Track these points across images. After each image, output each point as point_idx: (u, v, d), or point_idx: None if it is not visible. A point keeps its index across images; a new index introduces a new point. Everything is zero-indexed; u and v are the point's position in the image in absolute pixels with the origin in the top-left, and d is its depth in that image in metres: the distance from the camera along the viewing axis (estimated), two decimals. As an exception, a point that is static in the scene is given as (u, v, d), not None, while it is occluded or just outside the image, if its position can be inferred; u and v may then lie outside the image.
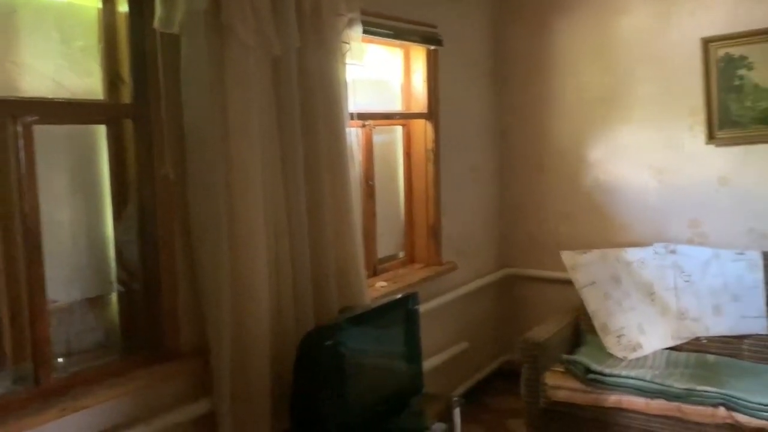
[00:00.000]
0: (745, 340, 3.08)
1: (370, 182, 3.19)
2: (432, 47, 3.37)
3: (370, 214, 3.19)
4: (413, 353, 2.53)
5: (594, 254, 3.48)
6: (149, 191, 2.13)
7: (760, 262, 3.12)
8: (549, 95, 3.89)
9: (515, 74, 4.02)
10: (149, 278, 2.16)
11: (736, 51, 3.25)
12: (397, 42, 3.19)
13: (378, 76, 3.37)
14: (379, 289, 3.02)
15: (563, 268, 3.48)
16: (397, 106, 3.46)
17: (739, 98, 3.25)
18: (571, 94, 3.81)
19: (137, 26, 2.09)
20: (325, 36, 2.43)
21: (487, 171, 4.02)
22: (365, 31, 2.66)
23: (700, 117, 3.37)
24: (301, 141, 2.35)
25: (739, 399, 2.59)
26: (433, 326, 3.40)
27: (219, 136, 2.08)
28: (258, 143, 2.17)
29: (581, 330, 3.43)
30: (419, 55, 3.42)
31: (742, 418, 2.54)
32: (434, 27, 3.36)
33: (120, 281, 2.17)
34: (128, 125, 2.13)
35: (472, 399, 3.70)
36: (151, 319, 2.16)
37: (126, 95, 2.12)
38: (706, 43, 3.30)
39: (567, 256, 3.51)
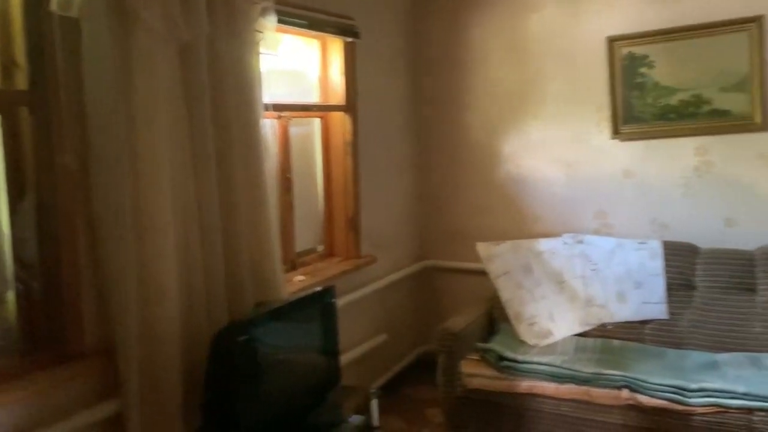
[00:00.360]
0: (647, 325, 3.25)
1: (287, 175, 3.14)
2: (349, 39, 3.36)
3: (287, 208, 3.15)
4: (330, 347, 2.52)
5: (507, 245, 3.58)
6: (49, 183, 2.01)
7: (660, 251, 3.30)
8: (464, 89, 3.97)
9: (432, 68, 4.07)
10: (50, 275, 2.04)
11: (638, 50, 3.41)
12: (313, 33, 3.16)
13: (294, 67, 3.33)
14: (297, 283, 2.98)
15: (479, 259, 3.56)
16: (314, 98, 3.43)
17: (641, 95, 3.42)
18: (485, 88, 3.90)
19: (33, 8, 1.97)
20: (237, 24, 2.37)
21: (405, 164, 4.05)
22: (280, 21, 2.61)
23: (606, 113, 3.52)
24: (212, 131, 2.28)
25: (640, 381, 2.73)
26: (353, 319, 3.40)
27: (124, 125, 1.99)
28: (166, 133, 2.09)
29: (496, 319, 3.52)
30: (336, 47, 3.40)
31: (643, 399, 2.68)
32: (351, 19, 3.35)
33: (18, 279, 2.04)
34: (24, 113, 2.00)
35: (392, 390, 3.74)
36: (53, 318, 2.05)
37: (21, 81, 2.00)
38: (611, 42, 3.45)
39: (482, 248, 3.60)
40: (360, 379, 3.41)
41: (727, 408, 2.54)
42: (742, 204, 3.29)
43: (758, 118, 3.16)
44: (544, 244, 3.57)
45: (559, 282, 3.47)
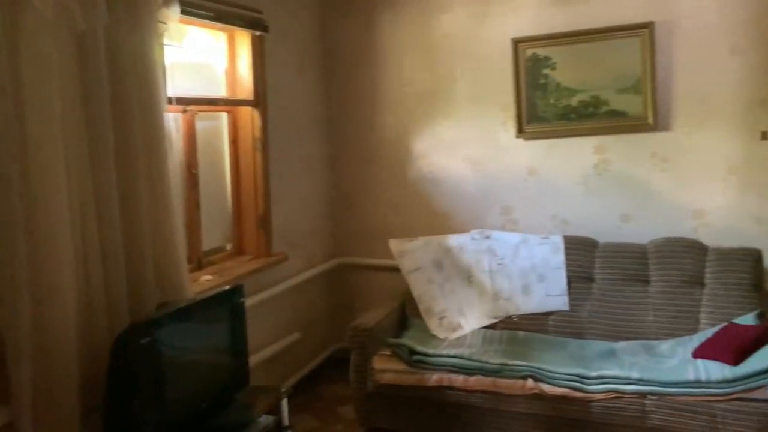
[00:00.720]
0: (550, 317, 3.38)
1: (193, 171, 3.05)
2: (257, 33, 3.30)
3: (193, 205, 3.06)
4: (239, 347, 2.47)
5: (419, 241, 3.63)
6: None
7: (562, 246, 3.44)
8: (376, 87, 3.99)
9: (343, 65, 4.06)
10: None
11: (541, 52, 3.54)
12: (220, 25, 3.08)
13: (201, 59, 3.23)
14: (204, 283, 2.90)
15: (392, 256, 3.60)
16: (221, 92, 3.34)
17: (544, 96, 3.56)
18: (396, 87, 3.93)
19: None
20: (138, 14, 2.27)
21: (318, 161, 4.03)
22: (184, 12, 2.52)
23: (511, 112, 3.63)
24: (111, 125, 2.18)
25: (543, 370, 2.84)
26: (265, 318, 3.35)
27: (13, 118, 1.86)
28: (60, 127, 1.97)
29: (408, 314, 3.56)
30: (244, 41, 3.33)
31: (546, 388, 2.79)
32: (260, 12, 3.29)
33: None
34: None
35: (305, 388, 3.72)
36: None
37: None
38: (516, 43, 3.57)
39: (394, 244, 3.63)
40: (272, 378, 3.36)
41: (623, 393, 2.69)
42: (636, 200, 3.48)
43: (651, 119, 3.35)
44: (453, 240, 3.64)
45: (468, 277, 3.55)
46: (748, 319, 2.91)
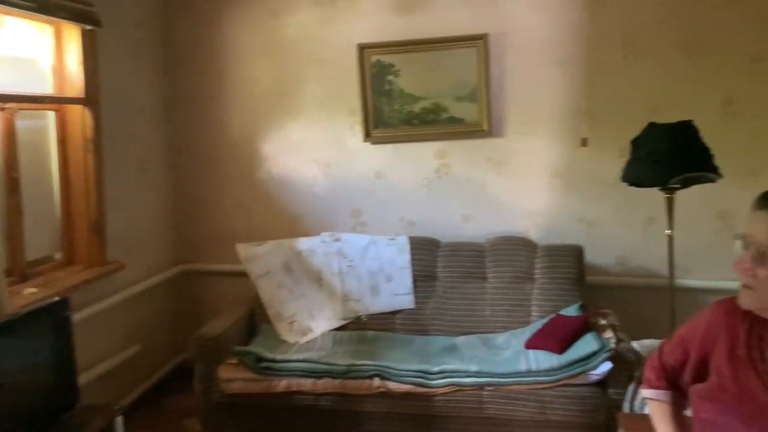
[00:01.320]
0: (398, 315, 3.48)
1: (13, 174, 2.78)
2: (88, 27, 3.08)
3: (14, 211, 2.78)
4: (65, 364, 2.28)
5: (268, 245, 3.58)
6: None
7: (407, 246, 3.56)
8: (222, 87, 3.88)
9: (187, 63, 3.91)
10: None
11: (386, 59, 3.63)
12: (44, 17, 2.83)
13: (23, 54, 2.95)
14: (27, 297, 2.64)
15: (240, 261, 3.51)
16: (48, 89, 3.08)
17: (389, 101, 3.65)
18: (244, 88, 3.85)
19: None
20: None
21: (158, 163, 3.84)
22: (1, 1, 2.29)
23: (359, 117, 3.69)
24: None
25: (390, 368, 2.91)
26: (99, 331, 3.14)
27: None
28: None
29: (256, 320, 3.50)
30: (73, 35, 3.08)
31: (392, 386, 2.86)
32: (90, 5, 3.07)
33: None
34: None
35: (149, 402, 3.54)
36: None
37: None
38: (362, 49, 3.63)
39: (242, 249, 3.55)
40: (110, 395, 3.15)
41: (462, 386, 2.82)
42: (475, 201, 3.68)
43: (486, 126, 3.56)
44: (303, 244, 3.63)
45: (318, 279, 3.56)
46: (572, 311, 3.18)
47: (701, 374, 1.16)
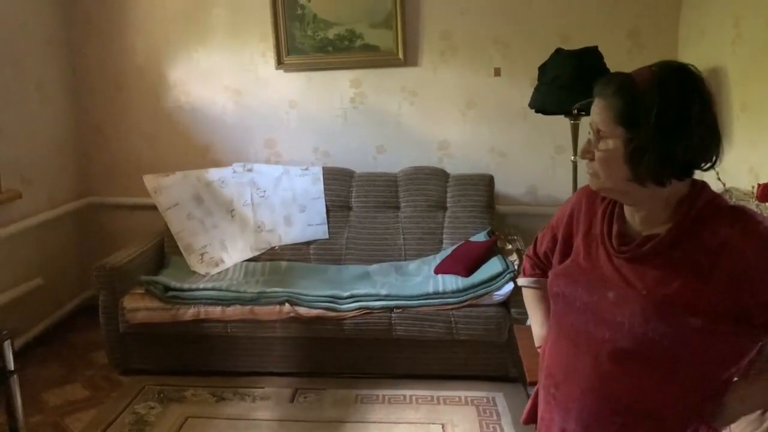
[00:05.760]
0: (311, 245, 3.46)
1: None
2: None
3: None
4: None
5: (177, 176, 3.47)
6: None
7: (321, 176, 3.52)
8: (124, 8, 3.64)
9: (84, -18, 3.65)
10: None
11: (298, -19, 3.50)
12: None
13: None
14: None
15: (149, 193, 3.40)
16: None
17: (301, 27, 3.53)
18: (148, 8, 3.63)
19: None
20: None
21: (56, 88, 3.60)
22: None
23: (270, 43, 3.56)
24: None
25: (300, 294, 2.91)
26: (-5, 263, 2.98)
27: None
28: None
29: (166, 252, 3.42)
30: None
31: (302, 311, 2.87)
32: None
33: None
34: None
35: (55, 337, 3.44)
36: None
37: None
38: (272, -30, 3.48)
39: (149, 180, 3.43)
40: (9, 327, 3.01)
41: (372, 309, 2.87)
42: (390, 132, 3.65)
43: (401, 54, 3.50)
44: (214, 174, 3.53)
45: (230, 210, 3.49)
46: (480, 237, 3.25)
47: (566, 257, 1.21)
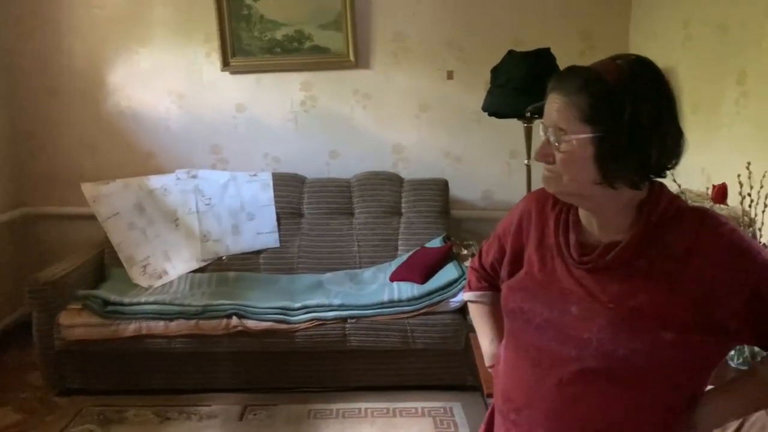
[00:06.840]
0: (261, 255, 3.33)
1: None
2: None
3: None
4: None
5: (116, 184, 3.29)
6: None
7: (271, 182, 3.39)
8: (59, 8, 3.44)
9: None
10: None
11: (243, -20, 3.37)
12: None
13: None
14: None
15: (88, 203, 3.21)
16: None
17: (248, 27, 3.40)
18: (84, 9, 3.44)
19: None
20: None
21: (-15, 93, 3.38)
22: None
23: (215, 44, 3.42)
24: None
25: (248, 306, 2.78)
26: None
27: None
28: None
29: (106, 265, 3.24)
30: None
31: (250, 324, 2.74)
32: None
33: None
34: None
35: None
36: None
37: None
38: (216, -32, 3.34)
39: (88, 188, 3.25)
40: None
41: (325, 320, 2.76)
42: (342, 137, 3.55)
43: (352, 56, 3.41)
44: (156, 181, 3.37)
45: (174, 219, 3.33)
46: (436, 242, 3.17)
47: (516, 268, 1.12)
